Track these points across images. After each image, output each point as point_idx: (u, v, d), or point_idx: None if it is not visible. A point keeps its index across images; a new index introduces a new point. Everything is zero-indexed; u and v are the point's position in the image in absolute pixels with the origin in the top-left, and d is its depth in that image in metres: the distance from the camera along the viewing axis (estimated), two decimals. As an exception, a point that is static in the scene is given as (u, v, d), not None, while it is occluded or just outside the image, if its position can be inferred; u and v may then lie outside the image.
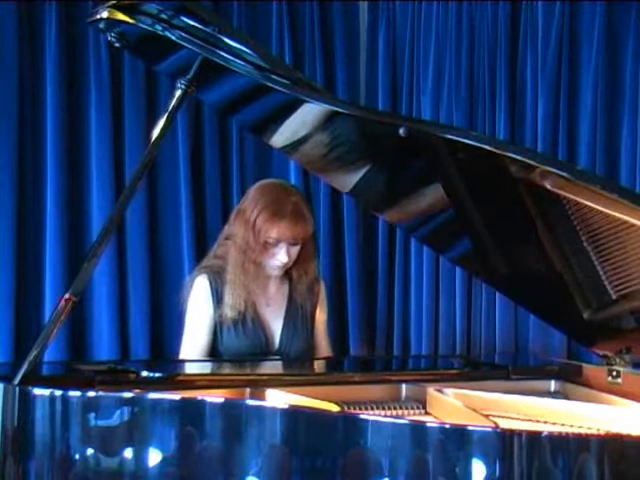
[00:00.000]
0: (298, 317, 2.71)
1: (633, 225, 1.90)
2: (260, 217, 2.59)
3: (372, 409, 2.12)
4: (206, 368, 2.59)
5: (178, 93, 2.12)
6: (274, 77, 2.07)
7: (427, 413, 2.12)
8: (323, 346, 2.83)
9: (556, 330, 2.78)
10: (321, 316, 2.81)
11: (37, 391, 1.86)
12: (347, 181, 2.41)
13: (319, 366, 2.83)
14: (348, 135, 2.18)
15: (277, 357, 2.66)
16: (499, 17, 3.29)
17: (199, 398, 1.84)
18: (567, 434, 1.76)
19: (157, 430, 1.82)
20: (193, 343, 2.66)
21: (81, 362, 2.61)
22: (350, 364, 3.02)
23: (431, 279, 3.35)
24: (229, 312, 2.62)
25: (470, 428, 1.67)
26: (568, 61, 3.25)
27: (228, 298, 2.63)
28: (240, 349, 2.63)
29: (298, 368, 2.66)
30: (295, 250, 2.64)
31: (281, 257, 2.62)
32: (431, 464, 1.65)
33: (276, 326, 2.69)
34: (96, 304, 3.20)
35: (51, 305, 3.07)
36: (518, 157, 1.85)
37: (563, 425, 2.00)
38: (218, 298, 2.64)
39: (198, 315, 2.66)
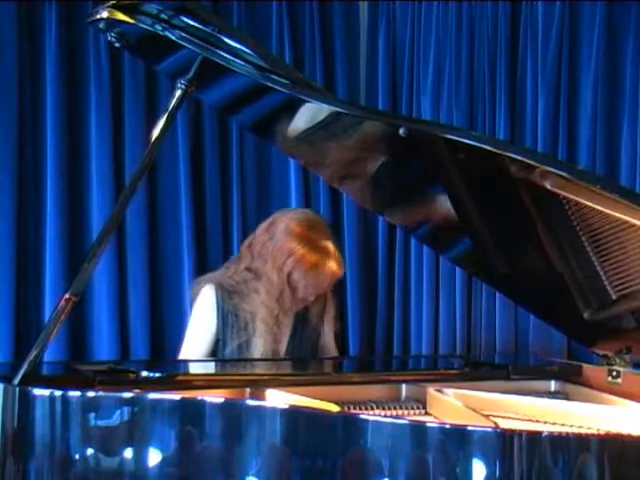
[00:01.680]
0: (304, 332, 2.72)
1: (633, 225, 1.90)
2: (297, 272, 2.55)
3: (372, 409, 2.12)
4: (206, 368, 2.59)
5: (178, 93, 2.11)
6: (274, 77, 2.07)
7: (427, 413, 2.12)
8: (332, 349, 2.84)
9: (556, 330, 2.78)
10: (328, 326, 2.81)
11: (37, 391, 1.86)
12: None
13: (319, 366, 2.83)
14: (347, 135, 2.18)
15: (277, 357, 2.66)
16: (499, 17, 3.29)
17: (199, 398, 1.83)
18: (567, 434, 1.75)
19: (157, 430, 1.82)
20: (193, 354, 2.64)
21: (81, 362, 2.60)
22: (350, 364, 3.02)
23: (431, 279, 3.35)
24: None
25: (470, 428, 1.67)
26: (568, 61, 3.24)
27: (259, 348, 2.58)
28: None
29: (298, 368, 2.66)
30: None
31: (311, 298, 2.64)
32: (431, 464, 1.64)
33: (282, 341, 2.69)
34: (96, 304, 3.19)
35: (51, 305, 3.06)
36: (518, 157, 1.85)
37: (563, 425, 2.00)
38: (223, 313, 2.61)
39: (200, 326, 2.66)
